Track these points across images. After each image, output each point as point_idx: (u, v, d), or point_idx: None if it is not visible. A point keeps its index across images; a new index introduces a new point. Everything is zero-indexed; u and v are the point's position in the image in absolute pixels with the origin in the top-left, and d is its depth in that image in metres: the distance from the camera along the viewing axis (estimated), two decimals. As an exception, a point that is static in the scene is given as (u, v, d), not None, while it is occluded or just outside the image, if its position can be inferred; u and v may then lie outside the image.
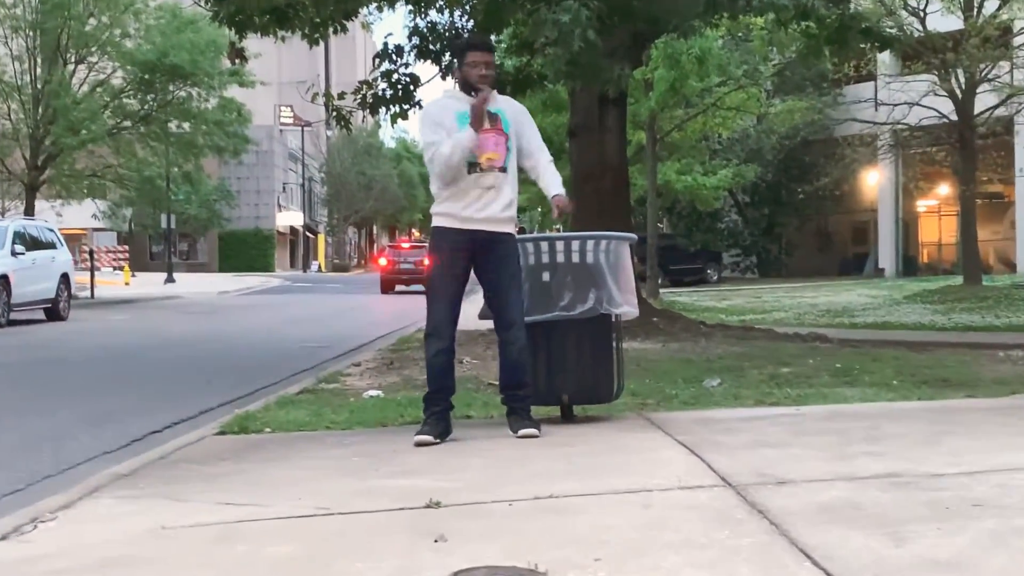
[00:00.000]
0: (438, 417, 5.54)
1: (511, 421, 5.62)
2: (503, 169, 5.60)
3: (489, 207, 5.56)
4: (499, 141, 5.60)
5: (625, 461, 4.75)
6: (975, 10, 24.46)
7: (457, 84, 5.76)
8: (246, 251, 63.36)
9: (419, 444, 5.36)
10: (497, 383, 7.93)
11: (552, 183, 5.68)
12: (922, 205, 39.71)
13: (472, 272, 5.67)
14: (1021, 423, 5.38)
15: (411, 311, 21.03)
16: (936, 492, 3.78)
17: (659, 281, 29.24)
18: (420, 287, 30.00)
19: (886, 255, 39.09)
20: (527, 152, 5.73)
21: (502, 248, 5.60)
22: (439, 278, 5.63)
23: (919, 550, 3.06)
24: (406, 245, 36.75)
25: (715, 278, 40.08)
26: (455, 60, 5.83)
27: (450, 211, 5.60)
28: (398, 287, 34.07)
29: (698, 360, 9.62)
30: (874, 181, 38.30)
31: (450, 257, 5.59)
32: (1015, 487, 3.82)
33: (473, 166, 5.55)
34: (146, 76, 32.80)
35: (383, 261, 36.33)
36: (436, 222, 5.68)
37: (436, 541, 3.38)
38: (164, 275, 42.23)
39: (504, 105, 5.76)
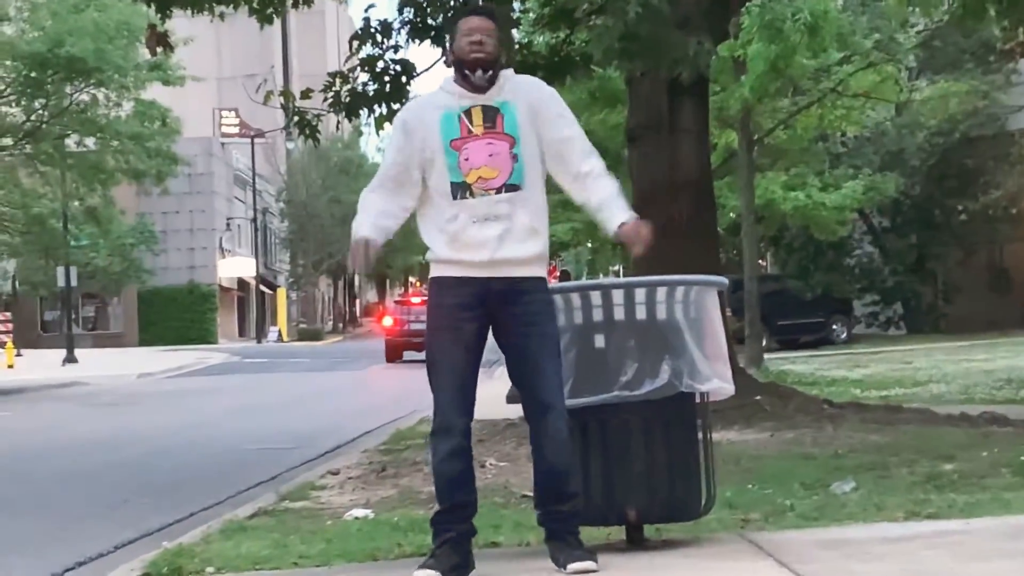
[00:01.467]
0: (452, 546, 5.52)
1: (553, 549, 5.60)
2: (511, 187, 5.56)
3: (500, 244, 5.53)
4: (498, 149, 5.57)
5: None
6: None
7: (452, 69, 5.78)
8: (177, 316, 63.74)
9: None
10: (532, 495, 7.94)
11: (608, 205, 5.65)
12: None
13: (491, 337, 5.67)
14: None
15: (411, 392, 20.98)
16: None
17: (763, 343, 29.16)
18: None
19: (1090, 298, 38.87)
20: (558, 156, 5.69)
21: (527, 301, 5.56)
22: (441, 349, 5.63)
23: None
24: (416, 300, 39.63)
25: (844, 336, 39.95)
26: (449, 37, 5.86)
27: (447, 255, 5.61)
28: (407, 353, 36.24)
29: (822, 455, 9.57)
30: (1069, 193, 38.20)
31: (454, 319, 5.59)
32: None
33: (461, 188, 5.54)
34: (33, 74, 33.11)
35: (388, 321, 39.69)
36: (433, 271, 5.70)
37: None
38: (62, 352, 42.51)
39: (512, 94, 5.68)
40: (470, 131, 5.58)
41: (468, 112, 5.60)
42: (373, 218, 5.70)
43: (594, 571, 5.42)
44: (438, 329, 5.66)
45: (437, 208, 5.63)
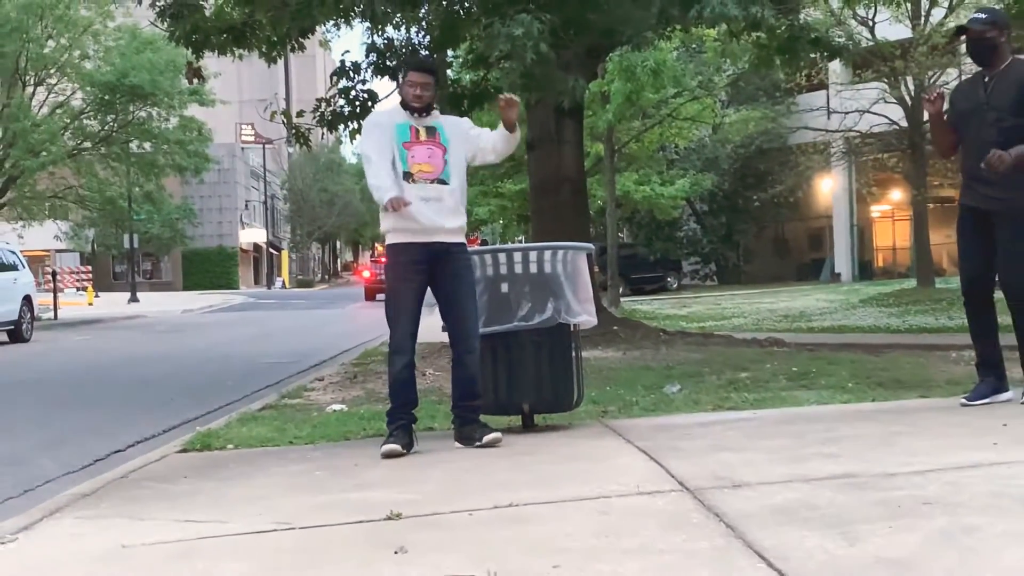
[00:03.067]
0: (403, 431, 5.52)
1: (467, 431, 5.61)
2: (441, 181, 5.59)
3: (435, 218, 5.54)
4: (434, 153, 5.60)
5: (585, 468, 4.76)
6: (923, 19, 24.81)
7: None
8: (210, 269, 62.95)
9: (387, 455, 5.34)
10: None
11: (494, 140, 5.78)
12: (876, 211, 40.13)
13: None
14: (972, 422, 5.44)
15: (376, 324, 20.95)
16: (889, 492, 3.81)
17: (620, 290, 29.31)
18: None
19: (842, 260, 39.45)
20: (478, 145, 5.77)
21: (457, 260, 5.60)
22: (397, 294, 5.63)
23: (872, 549, 3.08)
24: (384, 260, 41.09)
25: (675, 286, 40.25)
26: (401, 78, 5.86)
27: (400, 226, 5.57)
28: (380, 296, 37.90)
29: (658, 367, 9.64)
30: (828, 188, 38.68)
31: (408, 272, 5.57)
32: (965, 485, 3.86)
33: (407, 175, 5.56)
34: (106, 97, 32.57)
35: (367, 274, 42.57)
36: (391, 239, 5.65)
37: (396, 553, 3.36)
38: (127, 295, 41.84)
39: (440, 121, 5.75)
40: (418, 138, 5.61)
41: (417, 128, 5.65)
42: (391, 181, 5.57)
43: (499, 440, 5.49)
44: (395, 279, 5.64)
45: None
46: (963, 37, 6.13)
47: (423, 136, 5.62)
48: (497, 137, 5.80)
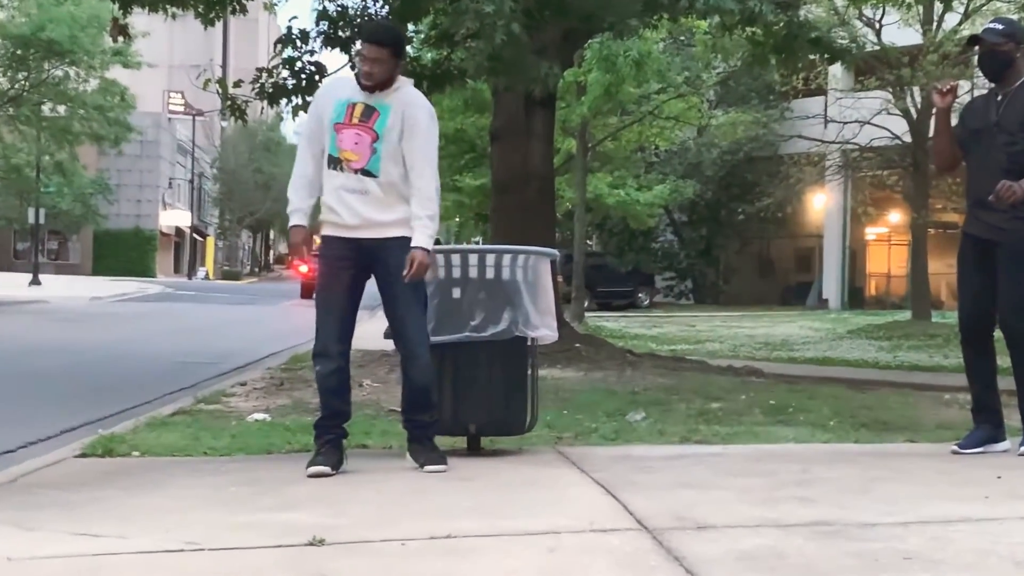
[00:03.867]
0: (332, 445, 5.50)
1: (413, 451, 5.61)
2: (366, 172, 5.43)
3: (361, 211, 5.44)
4: (361, 139, 5.44)
5: (534, 499, 4.78)
6: (934, 24, 25.10)
7: None
8: (124, 253, 62.38)
9: (313, 475, 5.31)
10: (399, 409, 7.93)
11: (416, 223, 5.41)
12: (871, 233, 40.57)
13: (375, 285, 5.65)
14: (961, 471, 5.52)
15: (309, 326, 20.84)
16: (866, 543, 3.87)
17: (585, 304, 29.43)
18: None
19: (831, 285, 39.82)
20: (408, 160, 5.48)
21: (395, 256, 5.43)
22: (323, 291, 5.59)
23: (844, 604, 3.13)
24: None
25: (646, 303, 40.44)
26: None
27: (328, 217, 5.55)
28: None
29: (622, 392, 9.67)
30: (821, 204, 39.03)
31: (334, 267, 5.53)
32: (950, 540, 3.92)
33: (335, 161, 5.48)
34: (18, 51, 32.29)
35: (304, 268, 40.43)
36: (322, 230, 5.63)
37: (317, 582, 3.36)
38: (28, 276, 41.36)
39: (396, 101, 5.49)
40: (350, 120, 5.48)
41: (353, 105, 5.50)
42: (300, 195, 5.62)
43: (444, 470, 5.45)
44: (322, 275, 5.63)
45: (324, 176, 5.56)
46: (976, 48, 6.22)
47: (356, 117, 5.45)
48: (413, 203, 5.47)
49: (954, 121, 6.32)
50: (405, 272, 5.35)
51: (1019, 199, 5.71)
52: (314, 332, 5.60)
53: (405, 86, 5.64)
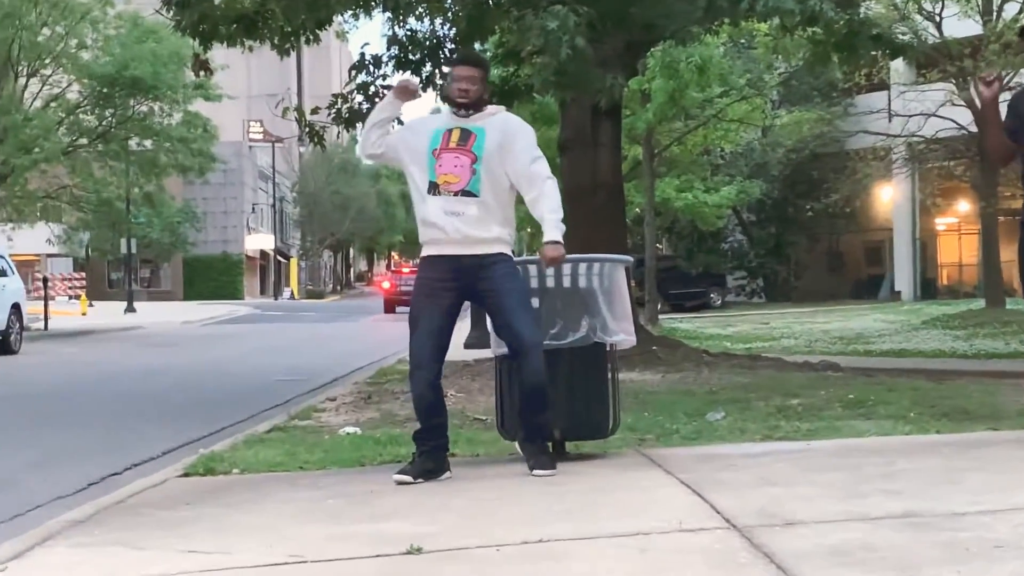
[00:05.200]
0: (427, 456, 5.53)
1: (524, 450, 5.64)
2: (467, 193, 5.50)
3: (465, 229, 5.49)
4: (461, 163, 5.51)
5: (621, 501, 4.76)
6: (994, 14, 24.66)
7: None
8: (213, 277, 63.31)
9: (398, 483, 5.38)
10: (484, 418, 7.96)
11: (546, 222, 5.50)
12: (941, 223, 39.92)
13: (473, 302, 5.70)
14: (1047, 457, 5.40)
15: (392, 340, 20.99)
16: (955, 533, 3.80)
17: (658, 307, 29.30)
18: None
19: (903, 277, 39.24)
20: (516, 179, 5.57)
21: (496, 269, 5.50)
22: (420, 309, 5.62)
23: (937, 595, 3.07)
24: (406, 270, 44.92)
25: (719, 303, 40.16)
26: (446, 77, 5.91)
27: (430, 235, 5.59)
28: (399, 308, 39.55)
29: (700, 392, 9.62)
30: (888, 197, 38.50)
31: (435, 288, 5.57)
32: (1040, 526, 3.84)
33: (432, 186, 5.55)
34: (104, 90, 32.82)
35: (386, 284, 44.30)
36: (423, 251, 5.69)
37: (417, 590, 3.37)
38: (124, 304, 42.14)
39: (491, 124, 5.60)
40: (447, 145, 5.56)
41: (450, 131, 5.60)
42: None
43: (552, 475, 5.40)
44: (419, 295, 5.66)
45: (418, 203, 5.63)
46: None
47: (454, 141, 5.56)
48: (532, 206, 5.61)
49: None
50: (545, 264, 5.50)
51: None
52: (403, 345, 5.65)
53: (500, 112, 5.77)
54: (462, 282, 5.55)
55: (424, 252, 5.67)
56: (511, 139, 5.60)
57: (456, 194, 5.51)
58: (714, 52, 24.38)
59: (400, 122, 6.54)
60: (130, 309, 41.13)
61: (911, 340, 19.30)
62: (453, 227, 5.50)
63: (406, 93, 5.81)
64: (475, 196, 5.52)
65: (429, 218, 5.57)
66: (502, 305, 5.53)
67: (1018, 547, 3.56)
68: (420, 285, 5.68)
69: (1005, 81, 24.86)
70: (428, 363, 5.56)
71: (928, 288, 38.79)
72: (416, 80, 5.83)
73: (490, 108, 5.72)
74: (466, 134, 5.57)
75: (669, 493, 4.87)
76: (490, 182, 5.54)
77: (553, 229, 5.49)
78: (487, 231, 5.53)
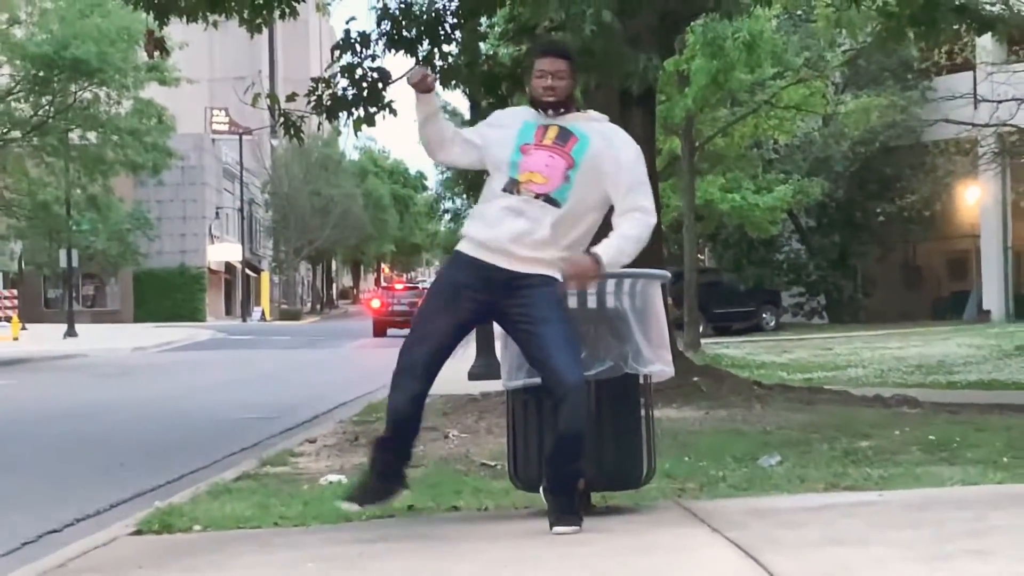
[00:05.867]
0: (383, 476, 5.64)
1: (547, 501, 5.57)
2: (550, 200, 5.48)
3: (516, 239, 5.47)
4: (555, 164, 5.50)
5: (660, 566, 4.76)
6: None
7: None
8: (169, 295, 63.48)
9: (344, 508, 5.72)
10: (493, 464, 7.96)
11: (609, 237, 5.53)
12: (1037, 229, 39.88)
13: (496, 324, 5.76)
14: None
15: (382, 369, 20.93)
16: (1059, 602, 3.79)
17: (700, 329, 29.29)
18: None
19: (992, 293, 39.19)
20: (614, 192, 5.57)
21: (537, 292, 5.45)
22: (431, 310, 5.63)
23: None
24: (399, 287, 46.33)
25: (772, 324, 40.12)
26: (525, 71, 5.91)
27: (476, 231, 5.60)
28: (390, 331, 39.70)
29: (752, 432, 9.62)
30: (975, 199, 38.47)
31: (456, 290, 5.57)
32: None
33: (512, 183, 5.53)
34: (40, 73, 32.94)
35: (375, 303, 44.21)
36: (459, 245, 5.71)
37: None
38: (63, 327, 42.29)
39: (592, 130, 5.64)
40: (541, 141, 5.57)
41: (546, 127, 5.61)
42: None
43: (576, 531, 5.37)
44: (435, 295, 5.71)
45: (489, 196, 5.64)
46: None
47: (550, 138, 5.57)
48: (621, 220, 5.61)
49: None
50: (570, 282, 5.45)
51: None
52: (398, 355, 5.62)
53: (602, 119, 5.78)
54: (492, 297, 5.53)
55: (459, 247, 5.66)
56: (617, 150, 5.63)
57: (538, 196, 5.50)
58: (765, 26, 24.45)
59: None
60: (71, 333, 41.25)
61: (1003, 369, 19.25)
62: (511, 234, 5.46)
63: (422, 85, 5.68)
64: (557, 207, 5.49)
65: (489, 213, 5.58)
66: (541, 336, 5.44)
67: None
68: (441, 284, 5.76)
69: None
70: (419, 372, 5.55)
71: (1023, 306, 38.73)
72: (424, 70, 5.74)
73: (592, 113, 5.78)
74: (566, 134, 5.58)
75: (716, 555, 4.87)
76: (580, 195, 5.53)
77: (608, 247, 5.48)
78: (546, 252, 5.49)
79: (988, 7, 16.05)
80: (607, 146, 5.60)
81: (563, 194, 5.50)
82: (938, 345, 26.40)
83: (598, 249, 5.48)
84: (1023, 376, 17.69)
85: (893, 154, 39.88)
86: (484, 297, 5.53)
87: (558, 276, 5.48)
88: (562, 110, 5.63)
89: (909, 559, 4.57)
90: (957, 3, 13.54)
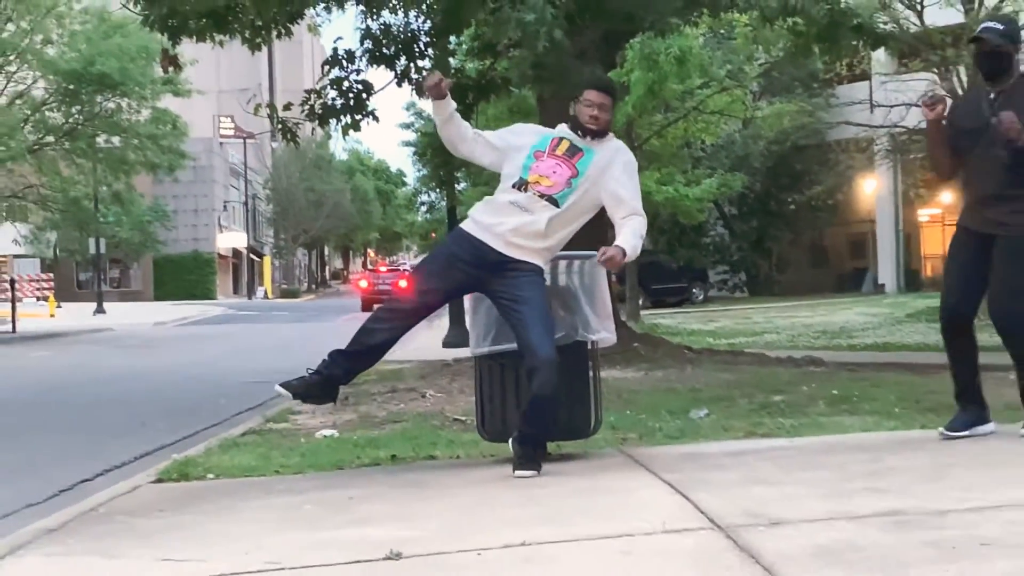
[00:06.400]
0: (323, 382, 5.77)
1: (514, 449, 5.63)
2: (551, 200, 5.53)
3: (515, 229, 5.51)
4: (561, 172, 5.56)
5: (604, 503, 4.77)
6: (976, 2, 24.77)
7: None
8: (184, 277, 63.04)
9: (277, 395, 5.90)
10: (464, 419, 7.97)
11: (625, 231, 5.58)
12: (924, 214, 40.12)
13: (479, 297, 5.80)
14: (1033, 452, 5.45)
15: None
16: (942, 531, 3.82)
17: (640, 302, 29.32)
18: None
19: (886, 269, 39.42)
20: (609, 196, 5.63)
21: (521, 274, 5.51)
22: (425, 271, 5.80)
23: (924, 595, 3.09)
24: (383, 269, 47.94)
25: (701, 298, 40.22)
26: (575, 97, 5.80)
27: (482, 217, 5.63)
28: (376, 307, 40.32)
29: (683, 389, 9.65)
30: (871, 189, 38.66)
31: (450, 262, 5.63)
32: (1027, 523, 3.87)
33: (521, 183, 5.56)
34: (71, 86, 32.66)
35: (363, 283, 45.77)
36: (464, 224, 5.74)
37: (397, 597, 3.37)
38: (93, 305, 41.96)
39: (600, 147, 5.68)
40: (553, 151, 5.62)
41: (560, 139, 5.67)
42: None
43: (530, 476, 5.42)
44: (433, 261, 5.86)
45: (502, 190, 5.65)
46: (975, 46, 6.10)
47: (561, 150, 5.61)
48: (619, 220, 5.66)
49: None
50: (601, 256, 5.47)
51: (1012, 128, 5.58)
52: (389, 298, 5.70)
53: (612, 138, 5.83)
54: (480, 272, 5.57)
55: (464, 225, 5.69)
56: (615, 160, 5.69)
57: (542, 196, 5.54)
58: (693, 43, 24.43)
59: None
60: (100, 310, 40.93)
61: (895, 334, 19.40)
62: (513, 224, 5.51)
63: (436, 92, 5.68)
64: (557, 207, 5.55)
65: (497, 203, 5.60)
66: (521, 313, 5.48)
67: (1006, 545, 3.59)
68: (439, 253, 5.84)
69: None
70: (400, 315, 5.68)
71: (912, 280, 38.98)
72: (437, 77, 5.71)
73: (608, 136, 5.79)
74: (574, 149, 5.64)
75: (652, 493, 4.89)
76: (577, 200, 5.60)
77: (627, 242, 5.52)
78: (537, 242, 5.56)
79: (882, 25, 16.12)
80: (609, 161, 5.66)
81: (564, 198, 5.56)
82: (840, 314, 26.57)
83: (623, 243, 5.53)
84: (912, 339, 17.82)
85: (802, 152, 40.00)
86: (474, 271, 5.58)
87: (543, 265, 5.61)
88: (596, 139, 5.67)
89: (815, 496, 4.59)
90: (855, 23, 13.56)
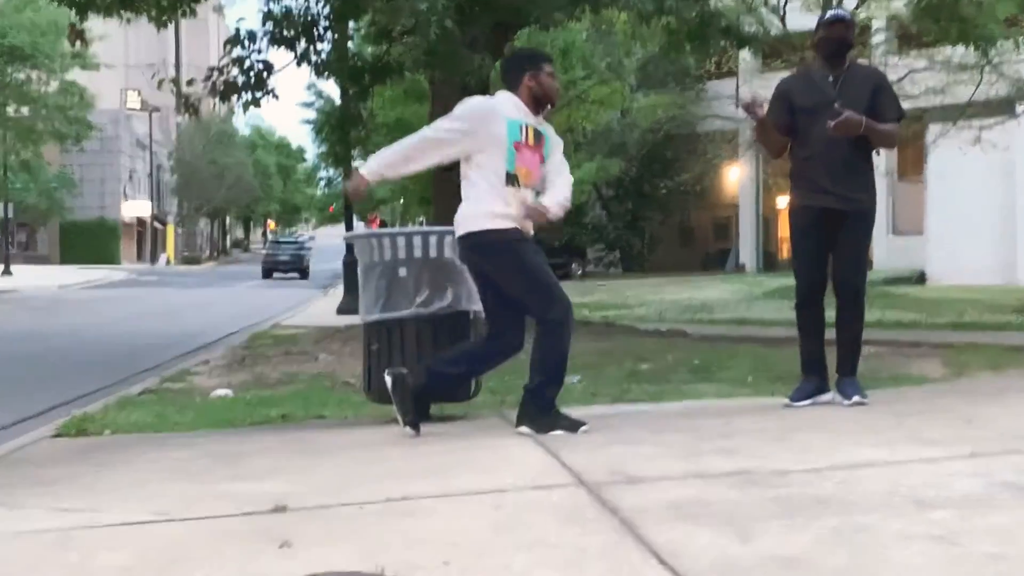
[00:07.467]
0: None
1: (520, 412, 5.54)
2: (535, 191, 5.52)
3: (518, 218, 5.47)
4: (535, 162, 5.50)
5: (480, 460, 4.79)
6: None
7: (522, 93, 5.52)
8: (90, 242, 61.35)
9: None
10: (352, 381, 7.93)
11: (557, 194, 5.53)
12: (782, 201, 40.94)
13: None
14: (867, 418, 5.61)
15: (265, 306, 20.65)
16: (783, 489, 3.92)
17: (522, 276, 29.46)
18: (295, 275, 44.32)
19: (747, 251, 40.22)
20: (556, 171, 5.62)
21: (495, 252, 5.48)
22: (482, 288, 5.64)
23: (764, 547, 3.17)
24: (283, 240, 50.53)
25: (579, 273, 40.56)
26: (524, 68, 5.55)
27: (497, 210, 5.41)
28: (276, 274, 44.39)
29: (558, 357, 9.69)
30: (735, 177, 39.37)
31: (520, 249, 5.47)
32: (857, 483, 3.99)
33: (511, 177, 5.41)
34: (-20, 57, 31.58)
35: (265, 252, 48.51)
36: (493, 224, 5.42)
37: (281, 547, 3.34)
38: (0, 267, 40.65)
39: (547, 128, 5.64)
40: (527, 142, 5.45)
41: (526, 127, 5.46)
42: (379, 170, 5.64)
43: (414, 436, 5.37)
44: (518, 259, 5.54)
45: (494, 185, 5.41)
46: (822, 33, 6.23)
47: (531, 140, 5.49)
48: (551, 181, 5.61)
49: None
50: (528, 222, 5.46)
51: (854, 126, 5.79)
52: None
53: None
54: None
55: (493, 224, 5.43)
56: (557, 142, 5.69)
57: (530, 188, 5.49)
58: (577, 37, 24.58)
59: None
60: (6, 272, 39.66)
61: (752, 310, 19.77)
62: (520, 214, 5.46)
63: (356, 195, 5.78)
64: (536, 192, 5.53)
65: (511, 207, 5.42)
66: (502, 288, 5.46)
67: (839, 502, 3.70)
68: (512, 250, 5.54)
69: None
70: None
71: (770, 261, 39.85)
72: (354, 186, 5.65)
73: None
74: (538, 135, 5.54)
75: (525, 452, 4.92)
76: (544, 179, 5.58)
77: (552, 200, 5.48)
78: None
79: (747, 27, 16.39)
80: (555, 142, 5.65)
81: (540, 184, 5.53)
82: (705, 291, 27.00)
83: (547, 202, 5.48)
84: (767, 315, 18.21)
85: (674, 141, 40.54)
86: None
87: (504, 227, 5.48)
88: (538, 116, 5.58)
89: (672, 456, 4.67)
90: (723, 25, 13.77)
